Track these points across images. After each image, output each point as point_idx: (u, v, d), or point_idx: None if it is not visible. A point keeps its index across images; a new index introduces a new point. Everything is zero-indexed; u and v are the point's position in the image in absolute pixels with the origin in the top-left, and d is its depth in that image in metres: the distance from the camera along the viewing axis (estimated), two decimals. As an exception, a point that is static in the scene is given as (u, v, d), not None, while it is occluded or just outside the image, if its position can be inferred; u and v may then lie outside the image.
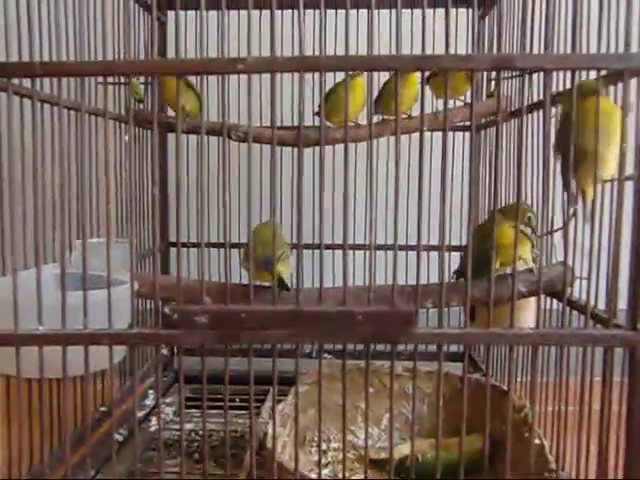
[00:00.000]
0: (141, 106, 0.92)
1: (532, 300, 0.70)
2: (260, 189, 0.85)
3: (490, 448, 0.57)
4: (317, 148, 0.85)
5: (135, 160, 0.90)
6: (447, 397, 0.78)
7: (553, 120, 0.63)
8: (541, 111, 0.68)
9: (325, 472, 0.79)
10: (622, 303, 0.49)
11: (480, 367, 1.01)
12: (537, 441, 0.62)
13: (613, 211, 0.51)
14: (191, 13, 0.81)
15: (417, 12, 0.87)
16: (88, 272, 0.60)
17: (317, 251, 0.74)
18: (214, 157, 0.73)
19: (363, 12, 0.66)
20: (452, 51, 0.45)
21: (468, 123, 1.04)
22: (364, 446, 0.84)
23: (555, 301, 0.70)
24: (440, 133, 0.93)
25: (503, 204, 0.87)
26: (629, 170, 0.47)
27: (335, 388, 0.74)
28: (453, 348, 0.89)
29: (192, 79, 0.84)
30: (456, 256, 0.90)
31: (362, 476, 0.56)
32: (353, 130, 0.80)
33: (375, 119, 0.89)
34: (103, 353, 0.50)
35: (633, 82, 0.46)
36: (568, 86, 0.50)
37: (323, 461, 0.81)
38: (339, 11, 0.81)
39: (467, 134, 1.06)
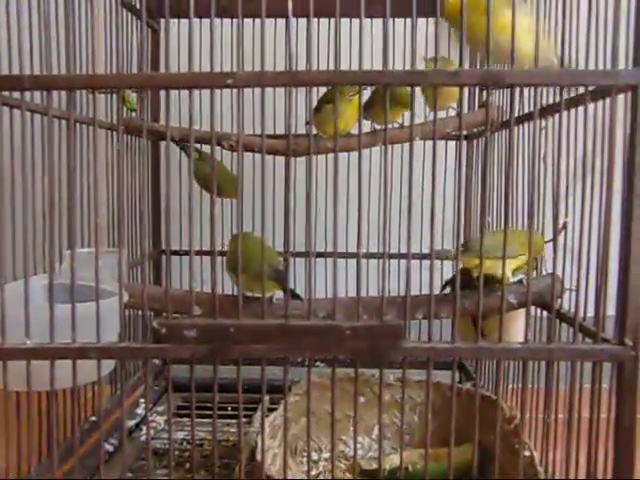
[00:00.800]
0: (134, 115, 0.92)
1: (521, 312, 0.70)
2: (252, 197, 0.85)
3: (481, 458, 0.57)
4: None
5: (127, 168, 0.90)
6: (438, 406, 0.78)
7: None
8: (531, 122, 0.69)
9: (316, 482, 0.79)
10: (611, 309, 0.49)
11: (472, 376, 1.01)
12: (527, 453, 0.62)
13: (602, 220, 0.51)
14: (184, 21, 0.81)
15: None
16: (78, 283, 0.60)
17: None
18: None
19: (354, 21, 0.66)
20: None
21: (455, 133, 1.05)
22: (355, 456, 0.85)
23: (546, 312, 0.70)
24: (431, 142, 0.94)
25: (494, 215, 0.88)
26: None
27: (327, 397, 0.74)
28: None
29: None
30: (448, 265, 0.90)
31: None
32: (344, 140, 0.80)
33: (368, 128, 0.89)
34: (93, 365, 0.50)
35: (620, 98, 0.46)
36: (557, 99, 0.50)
37: (314, 471, 0.80)
38: (330, 20, 0.81)
39: (452, 144, 1.07)
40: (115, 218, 0.85)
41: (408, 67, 0.45)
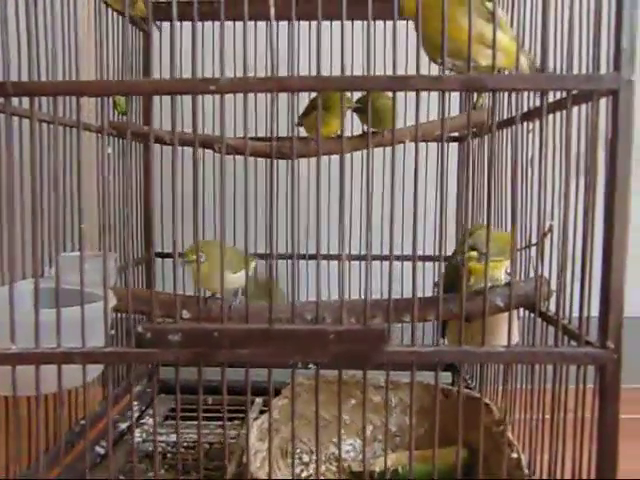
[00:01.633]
0: (124, 118, 0.92)
1: (512, 314, 0.70)
2: (234, 200, 0.85)
3: (471, 459, 0.57)
4: (303, 161, 0.86)
5: (117, 171, 0.90)
6: (429, 408, 0.78)
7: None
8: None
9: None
10: (596, 310, 0.49)
11: (465, 377, 1.01)
12: (514, 455, 0.63)
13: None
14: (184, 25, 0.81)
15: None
16: (68, 287, 0.60)
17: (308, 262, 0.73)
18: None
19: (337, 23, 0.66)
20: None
21: (455, 134, 1.05)
22: (345, 458, 0.85)
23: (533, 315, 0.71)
24: (423, 144, 0.94)
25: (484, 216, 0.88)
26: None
27: (315, 399, 0.74)
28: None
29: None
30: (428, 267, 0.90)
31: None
32: (332, 143, 0.80)
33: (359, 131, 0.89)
34: (80, 368, 0.50)
35: (602, 103, 0.47)
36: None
37: (305, 474, 0.81)
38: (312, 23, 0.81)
39: (453, 145, 1.07)
40: (106, 221, 0.86)
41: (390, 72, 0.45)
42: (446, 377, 1.02)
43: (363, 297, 0.67)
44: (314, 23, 0.46)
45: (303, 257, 0.96)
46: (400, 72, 0.45)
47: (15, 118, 0.64)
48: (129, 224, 0.95)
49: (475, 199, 0.94)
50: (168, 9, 0.47)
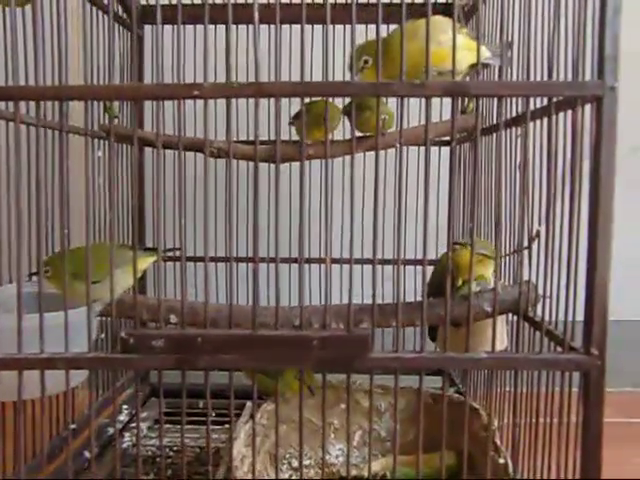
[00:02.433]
0: (116, 121, 0.92)
1: (499, 319, 0.70)
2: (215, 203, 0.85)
3: (460, 464, 0.57)
4: (291, 164, 0.85)
5: (108, 175, 0.90)
6: (417, 413, 0.78)
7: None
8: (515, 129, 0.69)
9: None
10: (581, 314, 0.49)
11: (455, 382, 1.01)
12: (501, 460, 0.63)
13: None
14: (167, 27, 0.81)
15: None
16: (52, 291, 0.60)
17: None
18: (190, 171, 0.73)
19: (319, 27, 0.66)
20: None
21: (445, 138, 1.05)
22: (334, 463, 0.85)
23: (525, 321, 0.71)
24: (415, 148, 0.94)
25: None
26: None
27: (307, 405, 0.74)
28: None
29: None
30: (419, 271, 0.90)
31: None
32: (322, 147, 0.80)
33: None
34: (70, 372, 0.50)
35: (586, 109, 0.47)
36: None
37: (295, 477, 0.80)
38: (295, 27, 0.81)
39: (444, 149, 1.07)
40: (98, 225, 0.86)
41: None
42: (436, 381, 1.01)
43: (355, 302, 0.67)
44: (298, 28, 0.46)
45: (292, 261, 0.96)
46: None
47: (2, 122, 0.64)
48: (118, 227, 0.95)
49: (466, 203, 0.94)
50: (156, 12, 0.47)
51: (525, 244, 0.59)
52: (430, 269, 0.88)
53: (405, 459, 0.76)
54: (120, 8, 0.94)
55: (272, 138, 0.56)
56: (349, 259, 0.54)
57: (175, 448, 0.93)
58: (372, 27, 0.86)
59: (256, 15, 0.45)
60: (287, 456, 0.83)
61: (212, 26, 0.47)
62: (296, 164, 0.77)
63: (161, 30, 0.48)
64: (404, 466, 0.75)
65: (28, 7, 0.58)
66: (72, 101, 0.46)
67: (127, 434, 0.96)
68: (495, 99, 0.48)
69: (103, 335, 0.85)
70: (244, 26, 0.88)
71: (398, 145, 0.72)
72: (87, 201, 0.50)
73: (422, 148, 0.92)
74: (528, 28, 0.47)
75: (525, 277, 0.59)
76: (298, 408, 0.78)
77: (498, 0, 0.68)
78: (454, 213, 0.81)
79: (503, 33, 0.47)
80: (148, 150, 1.04)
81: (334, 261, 0.50)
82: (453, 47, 0.47)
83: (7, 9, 0.48)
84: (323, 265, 0.54)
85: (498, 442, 0.67)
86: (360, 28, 0.61)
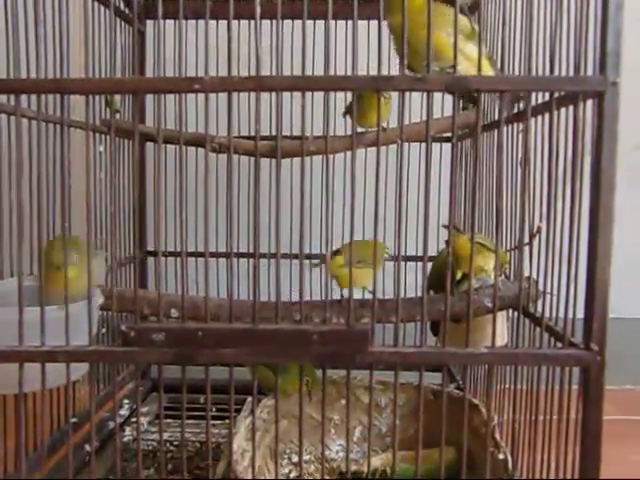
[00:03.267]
0: (117, 116, 0.92)
1: (499, 314, 0.70)
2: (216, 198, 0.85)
3: (459, 460, 0.57)
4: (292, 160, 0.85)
5: (110, 169, 0.90)
6: (418, 408, 0.78)
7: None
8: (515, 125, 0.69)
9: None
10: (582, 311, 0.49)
11: (456, 378, 1.01)
12: (501, 456, 0.63)
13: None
14: (169, 22, 0.81)
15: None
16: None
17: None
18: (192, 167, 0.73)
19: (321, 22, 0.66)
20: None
21: (446, 134, 1.05)
22: (335, 458, 0.85)
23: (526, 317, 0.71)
24: (416, 144, 0.94)
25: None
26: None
27: (306, 400, 0.74)
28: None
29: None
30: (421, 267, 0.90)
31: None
32: (321, 142, 0.80)
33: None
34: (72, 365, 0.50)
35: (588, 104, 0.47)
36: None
37: (294, 474, 0.81)
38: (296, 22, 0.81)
39: (445, 145, 1.07)
40: (100, 219, 0.86)
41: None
42: (437, 377, 1.01)
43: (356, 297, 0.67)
44: (300, 23, 0.46)
45: (293, 256, 0.96)
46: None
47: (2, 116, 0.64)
48: (119, 222, 0.95)
49: (467, 199, 0.94)
50: (157, 7, 0.47)
51: (526, 240, 0.59)
52: (430, 265, 0.88)
53: (405, 454, 0.76)
54: (122, 3, 0.94)
55: (273, 133, 0.56)
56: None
57: (175, 443, 0.93)
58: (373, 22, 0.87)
59: (258, 10, 0.45)
60: (287, 451, 0.83)
61: (213, 21, 0.46)
62: (297, 160, 0.77)
63: (163, 25, 0.48)
64: (404, 462, 0.76)
65: (30, 1, 0.58)
66: (73, 95, 0.46)
67: (128, 428, 0.96)
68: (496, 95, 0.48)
69: (104, 329, 0.85)
70: (246, 21, 0.88)
71: (399, 141, 0.72)
72: (88, 196, 0.50)
73: (423, 144, 0.91)
74: (530, 23, 0.47)
75: (526, 273, 0.59)
76: (298, 403, 0.79)
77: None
78: (454, 209, 0.81)
79: (505, 27, 0.47)
80: (149, 145, 1.05)
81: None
82: (455, 43, 0.47)
83: (8, 1, 0.48)
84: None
85: (498, 438, 0.67)
86: (362, 24, 0.61)
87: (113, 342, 0.49)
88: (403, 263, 0.98)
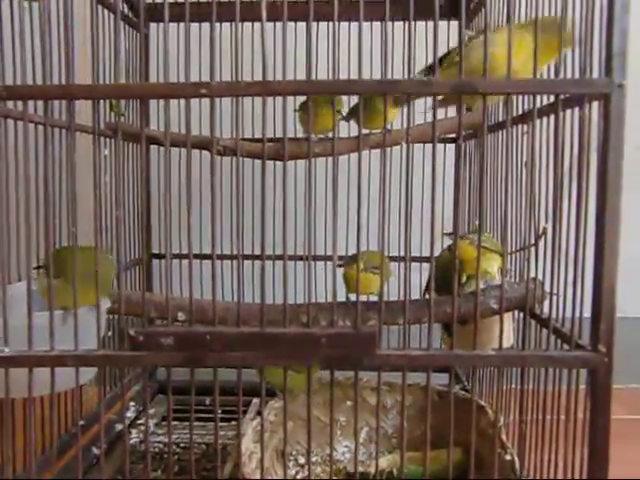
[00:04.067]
0: (122, 119, 0.92)
1: (506, 315, 0.70)
2: (221, 201, 0.84)
3: (467, 461, 0.57)
4: (298, 162, 0.85)
5: (115, 173, 0.90)
6: (424, 409, 0.78)
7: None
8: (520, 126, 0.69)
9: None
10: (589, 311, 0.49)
11: (461, 379, 1.01)
12: (508, 457, 0.63)
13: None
14: (173, 25, 0.81)
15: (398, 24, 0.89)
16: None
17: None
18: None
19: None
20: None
21: (450, 135, 1.05)
22: (341, 460, 0.85)
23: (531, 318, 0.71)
24: (420, 145, 0.94)
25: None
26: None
27: (314, 402, 0.74)
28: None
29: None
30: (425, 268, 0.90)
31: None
32: (327, 144, 0.80)
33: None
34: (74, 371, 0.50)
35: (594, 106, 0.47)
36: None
37: (301, 475, 0.81)
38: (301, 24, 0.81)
39: (450, 145, 1.07)
40: (106, 222, 0.86)
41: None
42: (442, 378, 1.02)
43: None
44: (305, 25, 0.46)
45: (298, 258, 0.96)
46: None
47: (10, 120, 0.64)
48: (125, 225, 0.95)
49: (471, 199, 0.94)
50: (163, 10, 0.47)
51: (532, 241, 0.59)
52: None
53: (412, 456, 0.76)
54: (126, 6, 0.94)
55: (277, 135, 0.57)
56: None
57: (182, 445, 0.93)
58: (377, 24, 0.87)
59: (263, 13, 0.45)
60: (294, 453, 0.83)
61: (217, 24, 0.47)
62: (301, 162, 0.77)
63: (168, 28, 0.48)
64: (411, 463, 0.76)
65: (35, 6, 0.59)
66: (79, 100, 0.47)
67: (134, 430, 0.97)
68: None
69: (110, 332, 0.86)
70: (249, 24, 0.88)
71: (404, 143, 0.72)
72: (95, 199, 0.50)
73: (427, 145, 0.91)
74: (535, 25, 0.47)
75: (532, 274, 0.59)
76: (305, 405, 0.79)
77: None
78: (460, 210, 0.81)
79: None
80: (153, 148, 1.05)
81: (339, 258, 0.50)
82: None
83: (15, 9, 0.48)
84: (330, 262, 0.54)
85: (504, 439, 0.67)
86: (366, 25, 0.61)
87: (120, 345, 0.49)
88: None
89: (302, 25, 0.85)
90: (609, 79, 0.45)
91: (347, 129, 0.85)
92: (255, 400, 0.98)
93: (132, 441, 0.94)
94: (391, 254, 0.81)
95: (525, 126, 0.65)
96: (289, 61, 0.46)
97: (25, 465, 0.65)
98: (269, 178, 0.50)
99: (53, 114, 0.67)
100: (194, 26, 0.73)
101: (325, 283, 0.92)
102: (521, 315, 0.67)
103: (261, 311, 0.47)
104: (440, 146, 1.02)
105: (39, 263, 0.61)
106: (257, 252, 0.88)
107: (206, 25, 0.85)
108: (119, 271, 0.52)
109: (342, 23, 0.71)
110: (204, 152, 0.83)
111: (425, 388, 0.82)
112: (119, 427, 0.93)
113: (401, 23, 0.82)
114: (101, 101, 0.73)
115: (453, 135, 1.06)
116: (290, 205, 0.48)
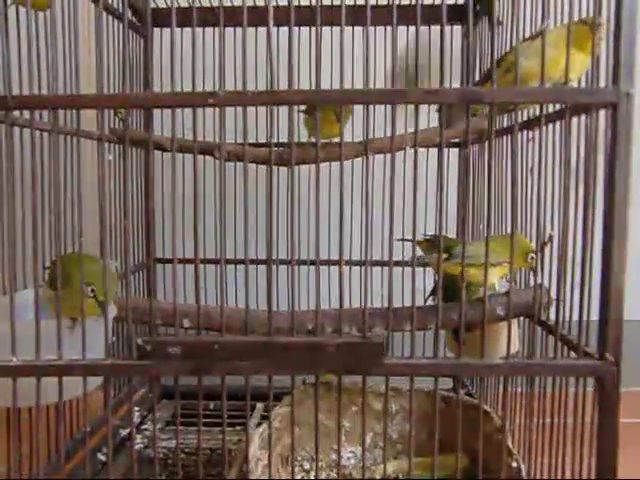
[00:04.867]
0: (127, 122, 0.92)
1: (512, 321, 0.70)
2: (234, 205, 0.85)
3: (473, 467, 0.57)
4: (304, 168, 0.85)
5: (119, 178, 0.90)
6: (429, 415, 0.78)
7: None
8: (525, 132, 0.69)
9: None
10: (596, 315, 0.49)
11: (465, 384, 1.01)
12: (514, 463, 0.63)
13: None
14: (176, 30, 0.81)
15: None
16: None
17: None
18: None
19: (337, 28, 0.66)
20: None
21: (456, 140, 1.05)
22: (346, 465, 0.85)
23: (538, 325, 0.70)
24: (424, 150, 0.93)
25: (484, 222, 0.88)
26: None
27: (319, 408, 0.74)
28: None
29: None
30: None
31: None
32: (332, 148, 0.80)
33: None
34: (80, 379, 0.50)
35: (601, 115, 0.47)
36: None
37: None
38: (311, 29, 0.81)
39: (454, 150, 1.07)
40: (110, 228, 0.86)
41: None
42: (445, 382, 1.01)
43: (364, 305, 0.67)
44: (313, 34, 0.46)
45: (303, 263, 0.96)
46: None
47: (16, 128, 0.64)
48: (129, 230, 0.95)
49: (476, 205, 0.94)
50: (169, 16, 0.47)
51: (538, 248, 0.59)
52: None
53: (418, 461, 0.76)
54: (129, 11, 0.94)
55: (281, 140, 0.57)
56: (360, 261, 0.54)
57: (187, 450, 0.93)
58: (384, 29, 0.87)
59: (270, 22, 0.45)
60: (299, 458, 0.83)
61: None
62: (305, 168, 0.77)
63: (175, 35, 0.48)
64: (416, 468, 0.76)
65: (41, 17, 0.59)
66: (86, 109, 0.47)
67: (139, 436, 0.96)
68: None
69: (114, 338, 0.85)
70: (252, 29, 0.88)
71: (410, 148, 0.72)
72: (101, 206, 0.50)
73: (431, 150, 0.91)
74: (542, 34, 0.47)
75: (538, 281, 0.59)
76: (311, 411, 0.79)
77: (510, 4, 0.67)
78: (466, 215, 0.81)
79: (516, 36, 0.47)
80: (157, 153, 1.05)
81: (347, 263, 0.50)
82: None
83: (22, 17, 0.48)
84: (336, 267, 0.54)
85: (510, 445, 0.67)
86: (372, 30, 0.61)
87: (128, 353, 0.49)
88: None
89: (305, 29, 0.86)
90: (617, 88, 0.45)
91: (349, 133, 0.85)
92: (259, 405, 0.98)
93: (136, 447, 0.93)
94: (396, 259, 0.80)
95: (530, 132, 0.65)
96: (292, 72, 0.46)
97: (31, 471, 0.65)
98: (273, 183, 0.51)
99: (58, 121, 0.67)
100: (197, 32, 0.73)
101: (329, 287, 0.92)
102: (527, 321, 0.67)
103: (269, 319, 0.47)
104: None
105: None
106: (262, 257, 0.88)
107: (208, 30, 0.86)
108: (127, 278, 0.52)
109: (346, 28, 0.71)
110: (207, 158, 0.83)
111: (429, 394, 0.82)
112: (123, 432, 0.93)
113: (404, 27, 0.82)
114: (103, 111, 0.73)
115: (456, 140, 1.06)
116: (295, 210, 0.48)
